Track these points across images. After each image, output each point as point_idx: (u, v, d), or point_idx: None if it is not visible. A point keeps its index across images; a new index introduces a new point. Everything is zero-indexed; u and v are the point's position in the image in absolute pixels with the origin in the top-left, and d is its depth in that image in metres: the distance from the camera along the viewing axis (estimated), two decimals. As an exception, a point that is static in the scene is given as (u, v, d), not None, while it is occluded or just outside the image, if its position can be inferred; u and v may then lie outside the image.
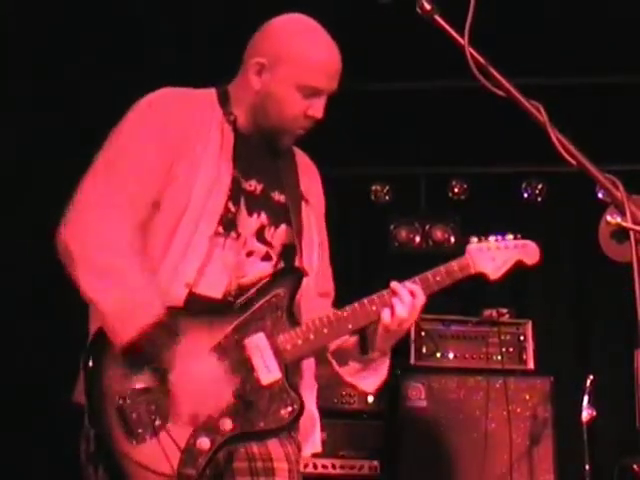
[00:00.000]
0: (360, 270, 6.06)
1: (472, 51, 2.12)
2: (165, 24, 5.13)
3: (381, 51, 5.33)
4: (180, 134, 2.60)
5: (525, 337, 5.38)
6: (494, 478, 5.04)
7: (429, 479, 5.11)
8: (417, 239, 6.20)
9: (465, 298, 5.84)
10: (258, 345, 2.56)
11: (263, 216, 2.69)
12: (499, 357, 5.32)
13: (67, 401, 2.62)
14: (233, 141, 2.67)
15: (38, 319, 5.00)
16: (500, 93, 2.13)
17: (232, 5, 4.71)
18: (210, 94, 2.74)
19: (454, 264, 2.70)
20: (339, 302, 2.81)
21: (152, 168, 2.57)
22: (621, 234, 2.11)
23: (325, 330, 2.61)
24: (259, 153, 2.72)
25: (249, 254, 2.66)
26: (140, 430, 2.42)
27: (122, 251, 2.47)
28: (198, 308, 2.55)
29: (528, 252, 2.80)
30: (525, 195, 6.17)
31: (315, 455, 2.82)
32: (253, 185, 2.69)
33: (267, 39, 2.67)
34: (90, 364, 2.47)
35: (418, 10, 2.18)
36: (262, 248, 2.68)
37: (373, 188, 6.34)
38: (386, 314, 2.61)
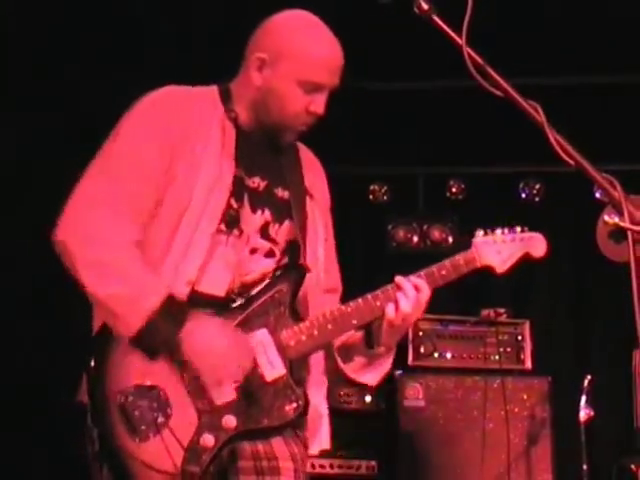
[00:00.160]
0: (358, 270, 6.05)
1: (470, 51, 2.12)
2: (165, 24, 5.13)
3: (379, 51, 5.32)
4: (180, 133, 2.60)
5: (523, 337, 5.38)
6: (492, 478, 5.04)
7: (427, 479, 5.11)
8: (415, 239, 6.21)
9: (463, 298, 5.85)
10: (262, 341, 2.55)
11: (267, 213, 2.68)
12: (497, 357, 5.32)
13: (68, 401, 2.62)
14: (235, 138, 2.67)
15: (38, 319, 5.00)
16: (498, 93, 2.13)
17: (232, 5, 4.70)
18: (212, 91, 2.74)
19: (460, 258, 2.68)
20: (341, 302, 2.80)
21: (152, 167, 2.56)
22: (619, 234, 2.11)
23: (329, 326, 2.60)
24: (261, 150, 2.71)
25: (252, 251, 2.65)
26: (143, 427, 2.41)
27: (120, 245, 2.48)
28: (200, 305, 2.54)
29: (535, 245, 2.77)
30: (523, 195, 6.18)
31: (322, 452, 2.80)
32: (257, 182, 2.68)
33: (268, 35, 2.67)
34: (92, 364, 2.47)
35: (415, 10, 2.18)
36: (266, 245, 2.67)
37: (371, 188, 6.34)
38: (390, 309, 2.59)
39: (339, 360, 2.74)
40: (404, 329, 2.67)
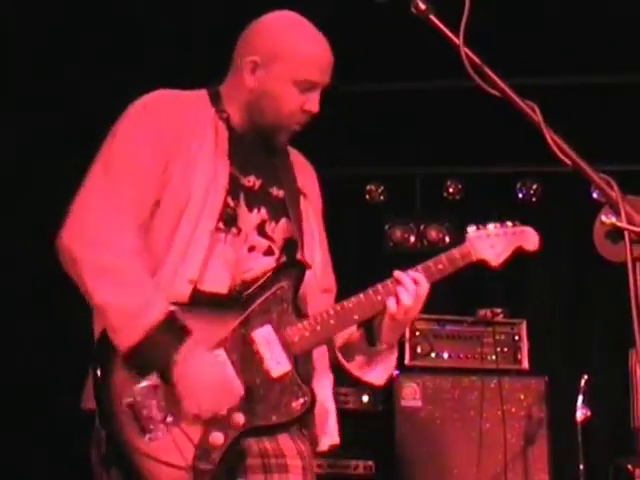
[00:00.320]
0: (355, 270, 6.05)
1: (467, 51, 2.12)
2: (165, 24, 5.13)
3: (375, 51, 5.32)
4: (174, 134, 2.61)
5: (520, 337, 5.39)
6: (489, 478, 5.05)
7: (424, 479, 5.11)
8: (412, 239, 6.21)
9: (460, 298, 5.85)
10: (266, 338, 2.56)
11: (263, 211, 2.69)
12: (494, 357, 5.33)
13: (72, 408, 2.61)
14: (228, 138, 2.68)
15: (38, 319, 5.00)
16: (495, 93, 2.13)
17: (232, 5, 4.70)
18: (202, 94, 2.75)
19: (455, 252, 2.70)
20: (335, 302, 2.80)
21: (148, 169, 2.57)
22: (616, 234, 2.11)
23: (332, 321, 2.61)
24: (255, 150, 2.72)
25: (251, 249, 2.66)
26: (152, 427, 2.41)
27: (123, 252, 2.47)
28: (203, 304, 2.55)
29: (527, 238, 2.79)
30: (520, 195, 6.18)
31: (332, 447, 2.79)
32: (252, 181, 2.69)
33: (258, 37, 2.68)
34: (98, 372, 2.45)
35: (413, 10, 2.18)
36: (264, 243, 2.68)
37: (368, 188, 6.35)
38: (392, 303, 2.61)
39: (341, 358, 2.76)
40: (405, 324, 2.70)
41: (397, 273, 2.64)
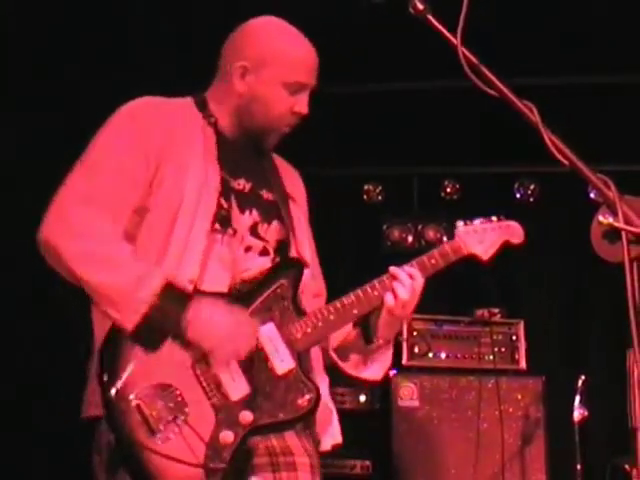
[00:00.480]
0: (352, 270, 6.06)
1: (465, 51, 2.12)
2: (165, 24, 5.13)
3: (373, 51, 5.32)
4: (163, 139, 2.62)
5: (517, 337, 5.39)
6: (486, 478, 5.05)
7: (421, 478, 5.11)
8: (410, 239, 6.22)
9: (457, 298, 5.85)
10: (269, 336, 2.57)
11: (255, 213, 2.71)
12: (491, 357, 5.33)
13: (71, 405, 2.61)
14: (216, 142, 2.70)
15: (38, 319, 4.99)
16: (493, 93, 2.13)
17: (232, 5, 4.70)
18: (187, 101, 2.78)
19: (446, 247, 2.77)
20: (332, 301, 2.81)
21: (134, 175, 2.58)
22: (613, 234, 2.12)
23: (332, 317, 2.64)
24: (244, 154, 2.75)
25: (247, 249, 2.67)
26: (162, 427, 2.41)
27: (108, 237, 2.49)
28: None
29: (513, 232, 2.86)
30: (518, 195, 6.18)
31: (335, 447, 2.81)
32: (242, 184, 2.72)
33: (246, 42, 2.72)
34: (105, 377, 2.44)
35: (410, 10, 2.18)
36: (259, 243, 2.70)
37: (366, 188, 6.35)
38: (389, 297, 2.66)
39: (336, 359, 2.80)
40: (402, 319, 2.74)
41: (393, 269, 2.69)
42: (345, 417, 5.23)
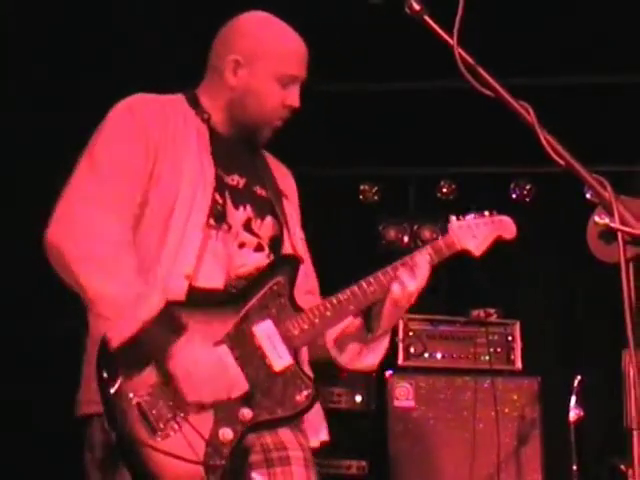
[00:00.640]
0: (348, 270, 6.04)
1: (461, 51, 2.12)
2: (165, 24, 5.13)
3: (371, 51, 5.32)
4: (160, 134, 2.63)
5: (513, 337, 5.40)
6: (482, 478, 5.05)
7: (417, 479, 5.11)
8: (405, 239, 6.22)
9: (453, 298, 5.85)
10: (267, 332, 2.57)
11: (249, 209, 2.72)
12: (487, 357, 5.34)
13: (70, 406, 2.61)
14: (209, 138, 2.72)
15: (38, 319, 4.98)
16: (489, 93, 2.13)
17: (232, 5, 4.69)
18: (179, 98, 2.79)
19: (440, 242, 2.77)
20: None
21: (136, 169, 2.58)
22: (609, 235, 2.12)
23: (328, 313, 2.65)
24: (237, 150, 2.76)
25: (241, 245, 2.68)
26: (162, 425, 2.41)
27: (113, 242, 2.48)
28: (200, 301, 2.55)
29: (505, 227, 2.86)
30: (514, 195, 6.19)
31: (322, 444, 2.80)
32: (236, 180, 2.73)
33: (237, 37, 2.74)
34: (105, 374, 2.43)
35: (407, 10, 2.18)
36: (253, 239, 2.71)
37: (362, 188, 6.35)
38: (397, 288, 2.66)
39: (334, 353, 2.79)
40: (404, 309, 2.73)
41: (397, 263, 2.72)
42: (341, 417, 5.29)
